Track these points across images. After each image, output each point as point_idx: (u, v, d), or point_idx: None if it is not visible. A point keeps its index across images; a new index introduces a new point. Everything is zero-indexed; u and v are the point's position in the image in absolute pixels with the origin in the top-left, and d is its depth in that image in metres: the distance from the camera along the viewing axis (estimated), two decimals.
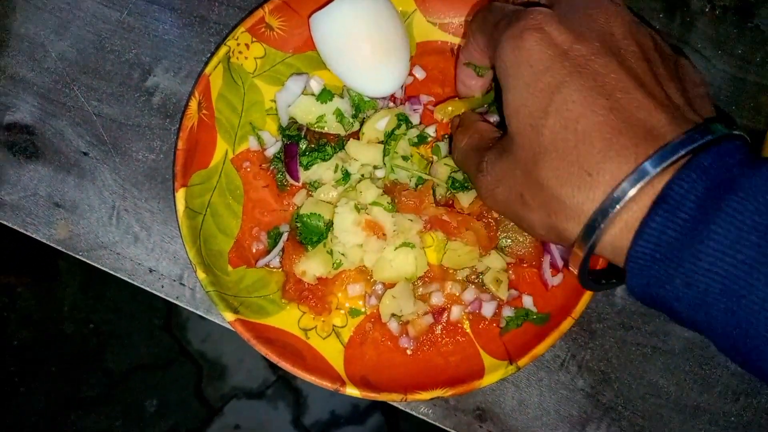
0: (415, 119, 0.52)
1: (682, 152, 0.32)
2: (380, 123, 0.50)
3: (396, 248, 0.48)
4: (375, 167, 0.51)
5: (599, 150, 0.33)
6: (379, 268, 0.49)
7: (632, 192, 0.32)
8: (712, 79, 0.57)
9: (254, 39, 0.51)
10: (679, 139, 0.32)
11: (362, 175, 0.50)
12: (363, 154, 0.50)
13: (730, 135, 0.33)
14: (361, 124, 0.51)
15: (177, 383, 1.44)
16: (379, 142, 0.51)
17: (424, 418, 0.51)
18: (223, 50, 0.49)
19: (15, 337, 1.42)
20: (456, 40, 0.54)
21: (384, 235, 0.49)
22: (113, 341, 1.44)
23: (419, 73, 0.54)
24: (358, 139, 0.51)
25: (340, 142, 0.51)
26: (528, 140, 0.37)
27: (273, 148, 0.51)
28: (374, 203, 0.49)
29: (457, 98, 0.51)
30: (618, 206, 0.32)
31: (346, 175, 0.50)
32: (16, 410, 1.40)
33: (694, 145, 0.32)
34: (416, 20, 0.54)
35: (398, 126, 0.50)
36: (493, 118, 0.50)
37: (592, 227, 0.34)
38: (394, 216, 0.49)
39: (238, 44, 0.50)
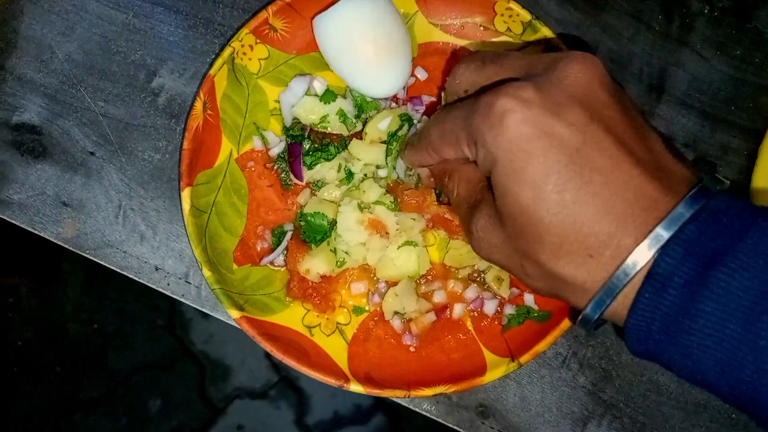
0: (416, 119, 0.52)
1: (680, 225, 0.33)
2: (383, 123, 0.51)
3: (399, 247, 0.49)
4: (378, 167, 0.51)
5: (599, 233, 0.34)
6: (382, 267, 0.50)
7: (634, 272, 0.33)
8: (712, 80, 0.58)
9: (258, 40, 0.52)
10: (672, 214, 0.33)
11: (365, 175, 0.51)
12: (366, 153, 0.51)
13: (716, 192, 0.34)
14: (364, 124, 0.52)
15: (180, 383, 1.44)
16: (381, 142, 0.51)
17: (427, 414, 0.52)
18: (227, 51, 0.50)
19: (18, 338, 1.43)
20: (457, 41, 0.55)
21: (387, 233, 0.50)
22: (116, 341, 1.44)
23: (421, 74, 0.54)
24: (361, 139, 0.52)
25: (342, 142, 0.51)
26: (522, 226, 0.36)
27: (277, 148, 0.52)
28: (377, 202, 0.49)
29: None
30: (623, 285, 0.33)
31: (350, 174, 0.51)
32: (20, 410, 1.41)
33: (685, 218, 0.33)
34: (418, 21, 0.54)
35: (401, 126, 0.51)
36: None
37: (599, 304, 0.35)
38: (397, 215, 0.50)
39: (243, 45, 0.51)
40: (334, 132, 0.52)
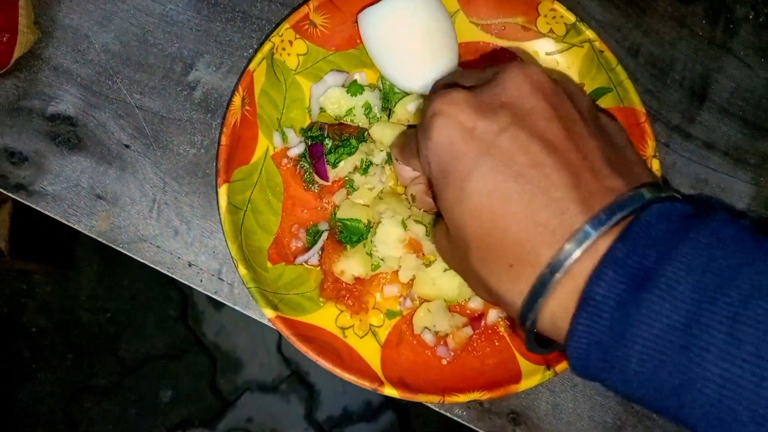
0: None
1: (595, 236, 0.30)
2: (412, 105, 0.50)
3: (445, 270, 0.48)
4: None
5: (515, 241, 0.32)
6: (420, 283, 0.49)
7: (552, 285, 0.31)
8: (755, 88, 0.57)
9: (298, 36, 0.51)
10: (586, 225, 0.31)
11: (386, 163, 0.50)
12: (387, 134, 0.49)
13: (652, 201, 0.31)
14: (389, 116, 0.51)
15: (191, 374, 1.45)
16: (408, 126, 0.50)
17: (458, 419, 0.51)
18: (267, 46, 0.49)
19: (31, 324, 1.43)
20: (498, 42, 0.54)
21: (423, 254, 0.49)
22: (128, 330, 1.45)
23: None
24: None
25: (361, 135, 0.50)
26: (454, 230, 0.35)
27: (296, 148, 0.51)
28: (417, 221, 0.48)
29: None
30: (542, 301, 0.32)
31: (369, 165, 0.50)
32: (30, 396, 1.42)
33: (604, 227, 0.30)
34: (459, 20, 0.53)
35: None
36: None
37: (524, 318, 0.33)
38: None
39: (282, 41, 0.50)
40: (354, 125, 0.51)
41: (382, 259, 0.49)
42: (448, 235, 0.38)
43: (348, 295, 0.49)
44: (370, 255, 0.49)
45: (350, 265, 0.49)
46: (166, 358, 1.44)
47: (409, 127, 0.48)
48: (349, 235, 0.49)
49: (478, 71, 0.40)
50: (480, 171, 0.33)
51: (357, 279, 0.49)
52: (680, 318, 0.27)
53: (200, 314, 1.46)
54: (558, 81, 0.36)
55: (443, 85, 0.40)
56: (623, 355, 0.29)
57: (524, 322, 0.33)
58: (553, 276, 0.31)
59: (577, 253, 0.30)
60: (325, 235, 0.49)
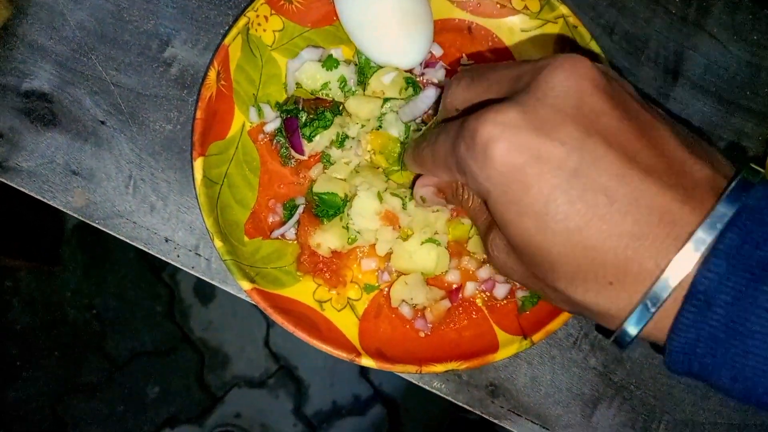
0: (432, 95, 0.51)
1: (709, 241, 0.29)
2: (387, 77, 0.50)
3: (422, 243, 0.48)
4: (378, 117, 0.50)
5: (614, 257, 0.30)
6: (397, 257, 0.49)
7: (664, 297, 0.30)
8: (728, 65, 0.58)
9: (273, 11, 0.51)
10: (701, 227, 0.29)
11: (359, 135, 0.50)
12: (363, 107, 0.49)
13: (753, 186, 0.30)
14: (364, 90, 0.51)
15: (179, 371, 1.44)
16: (384, 100, 0.50)
17: (437, 392, 0.51)
18: (242, 21, 0.49)
19: (17, 322, 1.42)
20: (474, 19, 0.54)
21: (399, 227, 0.49)
22: (115, 327, 1.44)
23: (437, 51, 0.54)
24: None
25: (336, 108, 0.50)
26: (531, 255, 0.33)
27: (272, 123, 0.51)
28: (393, 194, 0.48)
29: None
30: (653, 312, 0.30)
31: (344, 139, 0.50)
32: (18, 394, 1.41)
33: (719, 229, 0.29)
34: None
35: (405, 89, 0.50)
36: None
37: (626, 334, 0.32)
38: (418, 210, 0.49)
39: (258, 16, 0.50)
40: (329, 99, 0.51)
41: (358, 232, 0.49)
42: (510, 253, 0.36)
43: (325, 269, 0.49)
44: (347, 229, 0.49)
45: (327, 239, 0.49)
46: (154, 355, 1.44)
47: (438, 124, 0.45)
48: (326, 209, 0.49)
49: (505, 68, 0.37)
50: (561, 191, 0.31)
51: (334, 252, 0.50)
52: None
53: (187, 310, 1.46)
54: (602, 70, 0.34)
55: (480, 73, 0.38)
56: (739, 352, 0.28)
57: (628, 336, 0.32)
58: (666, 289, 0.29)
59: (693, 262, 0.29)
60: (301, 209, 0.50)
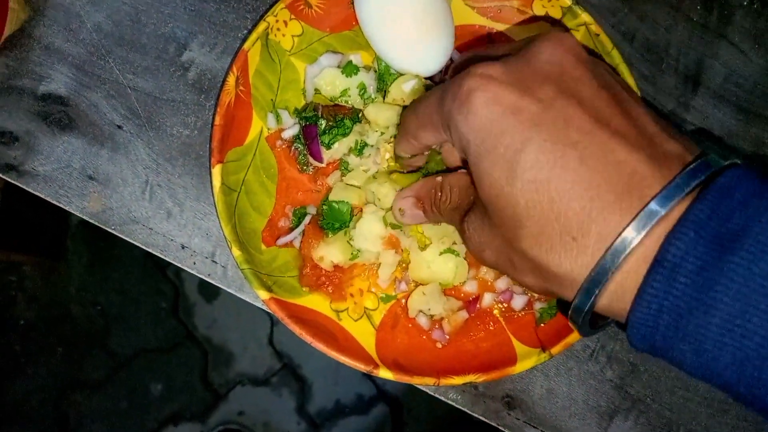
0: None
1: (675, 202, 0.29)
2: (407, 84, 0.49)
3: (441, 253, 0.48)
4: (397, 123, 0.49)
5: (579, 211, 0.31)
6: (415, 267, 0.49)
7: (624, 255, 0.30)
8: (749, 74, 0.57)
9: (293, 16, 0.50)
10: (666, 189, 0.29)
11: (378, 146, 0.49)
12: (383, 114, 0.49)
13: (728, 166, 0.30)
14: (383, 97, 0.51)
15: (182, 368, 1.44)
16: (403, 107, 0.50)
17: (453, 403, 0.51)
18: (262, 26, 0.49)
19: (21, 317, 1.42)
20: (494, 25, 0.53)
21: (401, 250, 0.49)
22: (119, 323, 1.44)
23: (456, 57, 0.53)
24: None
25: (355, 115, 0.50)
26: (501, 210, 0.34)
27: (290, 130, 0.51)
28: (393, 225, 0.48)
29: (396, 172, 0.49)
30: (611, 273, 0.30)
31: (363, 147, 0.49)
32: (20, 389, 1.40)
33: (685, 192, 0.29)
34: (455, 3, 0.53)
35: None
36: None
37: (587, 295, 0.31)
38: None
39: (277, 21, 0.50)
40: (348, 106, 0.50)
41: (359, 250, 0.48)
42: (485, 224, 0.36)
43: (327, 283, 0.49)
44: (350, 244, 0.49)
45: (330, 252, 0.48)
46: (158, 352, 1.44)
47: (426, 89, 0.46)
48: (332, 222, 0.48)
49: (505, 45, 0.39)
50: (533, 143, 0.32)
51: (336, 267, 0.49)
52: None
53: (192, 307, 1.45)
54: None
55: (468, 59, 0.39)
56: (702, 323, 0.27)
57: (586, 298, 0.31)
58: (627, 245, 0.29)
59: (655, 219, 0.29)
60: (307, 219, 0.49)
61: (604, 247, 0.30)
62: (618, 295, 0.31)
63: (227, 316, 1.46)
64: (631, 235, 0.29)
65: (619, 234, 0.30)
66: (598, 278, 0.31)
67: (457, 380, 0.46)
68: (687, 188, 0.29)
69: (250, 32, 0.49)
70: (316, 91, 0.51)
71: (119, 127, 0.51)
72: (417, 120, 0.40)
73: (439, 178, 0.42)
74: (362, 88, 0.50)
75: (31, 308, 1.43)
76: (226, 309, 1.46)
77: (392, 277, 0.50)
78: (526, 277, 0.35)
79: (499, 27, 0.53)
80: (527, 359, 0.47)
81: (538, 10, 0.53)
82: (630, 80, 0.50)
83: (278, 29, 0.50)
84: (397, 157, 0.47)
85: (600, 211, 0.30)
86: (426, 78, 0.51)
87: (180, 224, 0.50)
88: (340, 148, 0.49)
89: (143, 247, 0.49)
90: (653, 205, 0.29)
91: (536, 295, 0.50)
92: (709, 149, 0.32)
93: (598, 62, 0.35)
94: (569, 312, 0.33)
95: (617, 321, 0.34)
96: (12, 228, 1.27)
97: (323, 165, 0.50)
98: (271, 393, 1.44)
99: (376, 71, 0.51)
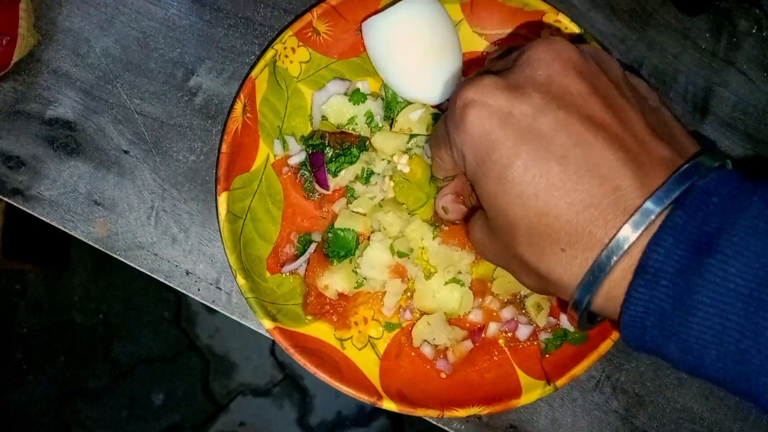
0: None
1: (657, 213, 0.30)
2: (415, 113, 0.49)
3: (446, 283, 0.48)
4: (403, 152, 0.49)
5: (566, 224, 0.32)
6: (420, 296, 0.49)
7: (609, 266, 0.31)
8: (757, 102, 0.57)
9: (300, 43, 0.50)
10: (650, 199, 0.30)
11: (386, 175, 0.50)
12: (389, 143, 0.49)
13: (709, 170, 0.31)
14: (391, 125, 0.51)
15: (184, 377, 1.44)
16: (410, 136, 0.50)
17: None
18: (269, 53, 0.49)
19: (24, 324, 1.42)
20: None
21: (408, 279, 0.49)
22: (122, 332, 1.44)
23: None
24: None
25: (362, 144, 0.50)
26: (498, 220, 0.35)
27: (297, 156, 0.50)
28: (400, 254, 0.48)
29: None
30: (600, 282, 0.31)
31: (370, 175, 0.49)
32: (22, 397, 1.40)
33: (668, 201, 0.30)
34: (463, 30, 0.53)
35: (432, 125, 0.50)
36: None
37: (579, 301, 0.33)
38: (442, 248, 0.48)
39: (285, 48, 0.50)
40: (355, 133, 0.50)
41: (364, 278, 0.48)
42: (487, 227, 0.38)
43: (332, 311, 0.49)
44: (356, 272, 0.48)
45: (335, 281, 0.48)
46: (159, 361, 1.43)
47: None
48: (337, 250, 0.48)
49: (501, 55, 0.39)
50: (521, 158, 0.32)
51: (341, 295, 0.49)
52: (747, 282, 0.27)
53: (194, 317, 1.45)
54: (587, 52, 0.35)
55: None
56: (684, 322, 0.29)
57: (579, 304, 0.33)
58: (612, 257, 0.31)
59: (638, 233, 0.30)
60: (312, 247, 0.49)
61: (591, 256, 0.32)
62: (610, 299, 0.32)
63: (229, 326, 1.46)
64: (617, 245, 0.31)
65: (606, 246, 0.31)
66: (587, 288, 0.32)
67: (461, 412, 0.46)
68: (671, 197, 0.30)
69: (258, 59, 0.49)
70: (324, 118, 0.51)
71: (126, 152, 0.51)
72: (434, 141, 0.42)
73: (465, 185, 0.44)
74: (369, 116, 0.50)
75: (33, 316, 1.43)
76: (228, 319, 1.45)
77: (397, 305, 0.50)
78: (526, 279, 0.37)
79: None
80: (532, 391, 0.47)
81: (546, 38, 0.52)
82: None
83: (286, 56, 0.50)
84: (433, 178, 0.48)
85: (585, 225, 0.31)
86: (434, 106, 0.51)
87: (185, 250, 0.50)
88: (347, 175, 0.49)
89: (148, 273, 0.49)
90: (637, 217, 0.30)
91: (541, 326, 0.50)
92: (704, 151, 0.33)
93: (593, 64, 0.35)
94: (568, 309, 0.35)
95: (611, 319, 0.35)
96: (16, 236, 1.27)
97: (329, 192, 0.50)
98: (273, 404, 1.44)
99: (383, 99, 0.51)
